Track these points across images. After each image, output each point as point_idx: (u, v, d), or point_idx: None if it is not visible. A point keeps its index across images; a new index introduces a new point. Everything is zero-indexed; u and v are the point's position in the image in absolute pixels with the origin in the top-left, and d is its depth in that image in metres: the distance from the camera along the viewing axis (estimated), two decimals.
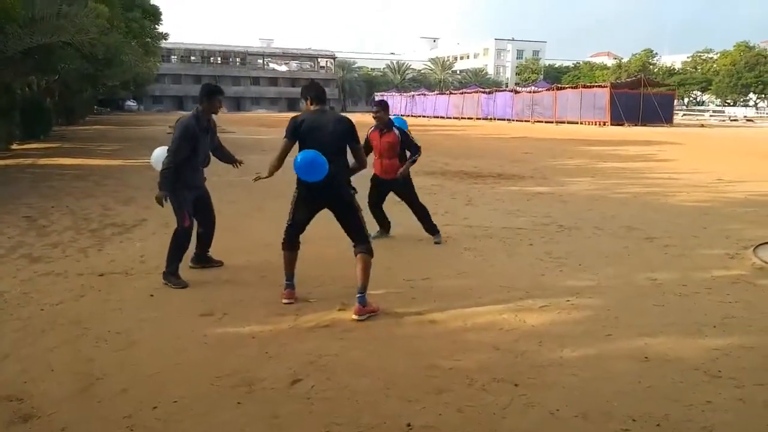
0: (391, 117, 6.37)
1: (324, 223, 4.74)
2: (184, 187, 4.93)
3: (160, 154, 5.03)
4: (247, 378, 3.27)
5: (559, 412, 2.93)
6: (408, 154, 6.46)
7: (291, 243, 4.55)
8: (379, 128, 6.26)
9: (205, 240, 5.35)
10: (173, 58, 78.96)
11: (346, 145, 4.35)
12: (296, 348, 3.69)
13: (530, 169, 14.09)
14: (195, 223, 5.13)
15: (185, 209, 4.95)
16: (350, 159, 4.50)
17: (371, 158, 6.13)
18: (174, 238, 4.96)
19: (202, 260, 5.38)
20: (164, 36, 29.64)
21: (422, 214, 6.61)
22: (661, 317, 4.25)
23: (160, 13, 27.77)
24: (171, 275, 4.89)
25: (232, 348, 3.69)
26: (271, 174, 4.55)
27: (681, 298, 4.69)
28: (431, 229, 6.57)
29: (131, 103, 70.85)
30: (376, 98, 6.68)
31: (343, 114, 4.58)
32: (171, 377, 3.29)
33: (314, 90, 4.44)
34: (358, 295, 4.22)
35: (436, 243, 6.44)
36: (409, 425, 2.82)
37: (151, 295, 4.66)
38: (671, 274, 5.30)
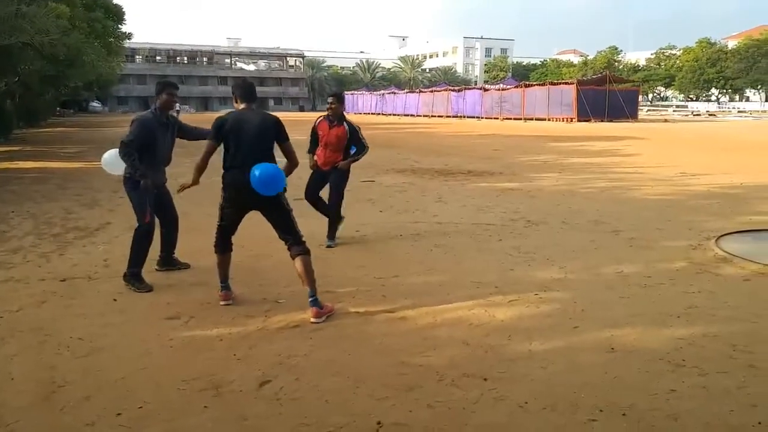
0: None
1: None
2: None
3: (112, 155, 4.90)
4: (214, 381, 3.22)
5: (527, 405, 2.95)
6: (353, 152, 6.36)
7: (223, 245, 4.42)
8: (330, 120, 6.14)
9: (168, 241, 5.25)
10: (138, 58, 77.65)
11: (273, 145, 4.21)
12: (265, 349, 3.64)
13: (500, 165, 14.22)
14: (157, 223, 5.03)
15: (146, 205, 4.81)
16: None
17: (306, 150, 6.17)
18: (136, 237, 4.82)
19: (168, 263, 5.29)
20: (128, 36, 29.07)
21: (333, 215, 6.29)
22: (627, 309, 4.32)
23: (124, 13, 27.25)
24: (133, 277, 4.77)
25: (199, 351, 3.63)
26: (195, 181, 4.46)
27: (646, 289, 4.78)
28: (332, 233, 6.26)
29: (95, 105, 69.47)
30: (342, 93, 6.47)
31: (271, 113, 4.41)
32: (136, 382, 3.22)
33: (241, 88, 4.30)
34: (311, 299, 4.10)
35: (328, 246, 6.13)
36: (379, 423, 2.81)
37: (115, 300, 4.56)
38: (636, 266, 5.39)
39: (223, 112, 4.54)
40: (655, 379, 3.21)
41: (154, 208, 4.96)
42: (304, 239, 4.25)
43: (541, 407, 2.93)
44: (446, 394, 3.06)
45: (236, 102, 4.32)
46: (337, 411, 2.92)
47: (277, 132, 4.22)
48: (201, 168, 4.36)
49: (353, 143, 6.25)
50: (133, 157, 4.62)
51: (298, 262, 4.15)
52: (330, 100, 6.16)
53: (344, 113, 6.28)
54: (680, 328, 3.94)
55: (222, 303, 4.40)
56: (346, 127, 6.16)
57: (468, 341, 3.75)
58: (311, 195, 6.35)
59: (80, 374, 3.32)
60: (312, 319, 4.07)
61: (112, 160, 5.01)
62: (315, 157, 6.29)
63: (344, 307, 4.35)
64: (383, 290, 4.77)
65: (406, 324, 4.07)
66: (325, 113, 6.26)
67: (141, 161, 4.67)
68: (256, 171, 3.97)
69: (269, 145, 4.20)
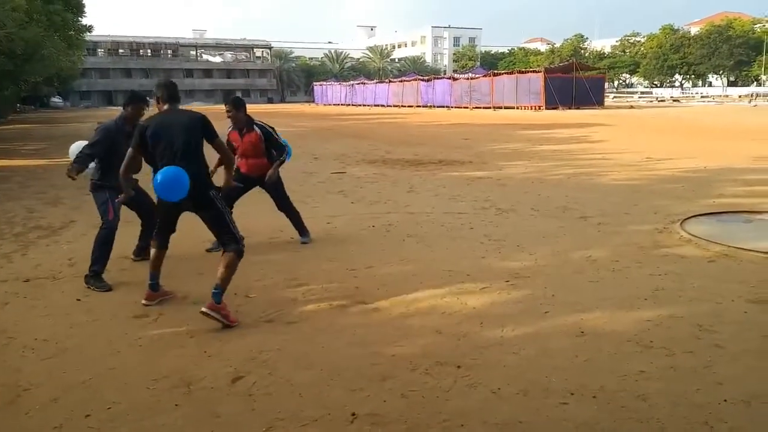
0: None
1: (270, 220, 4.65)
2: (105, 187, 4.78)
3: (80, 147, 4.91)
4: (185, 378, 3.17)
5: (500, 391, 2.98)
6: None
7: (160, 241, 4.26)
8: (239, 128, 5.73)
9: (147, 232, 5.15)
10: (100, 51, 76.01)
11: (202, 143, 4.05)
12: (237, 345, 3.60)
13: (470, 154, 14.29)
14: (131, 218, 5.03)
15: (109, 204, 4.77)
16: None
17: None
18: (100, 236, 4.79)
19: (143, 253, 5.21)
20: (88, 28, 28.41)
21: (292, 215, 6.04)
22: (596, 293, 4.38)
23: (83, 5, 26.57)
24: (93, 278, 4.70)
25: (168, 349, 3.57)
26: (127, 192, 4.35)
27: (614, 273, 4.86)
28: (301, 230, 6.06)
29: (57, 100, 67.82)
30: (238, 99, 5.84)
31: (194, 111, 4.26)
32: (104, 383, 3.15)
33: (165, 88, 4.14)
34: (214, 291, 3.83)
35: (303, 243, 5.97)
36: (353, 414, 2.80)
37: (80, 300, 4.45)
38: (605, 251, 5.48)
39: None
40: (624, 361, 3.26)
41: (134, 207, 5.03)
42: (242, 240, 4.05)
43: (513, 392, 2.96)
44: (420, 383, 3.07)
45: (159, 103, 4.16)
46: (311, 404, 2.90)
47: (205, 130, 4.03)
48: (125, 176, 4.24)
49: (272, 146, 5.82)
50: (84, 163, 4.73)
51: (225, 256, 3.95)
52: (227, 108, 5.68)
53: (250, 117, 5.78)
54: (648, 310, 4.02)
55: (144, 303, 4.24)
56: (259, 132, 5.74)
57: (441, 330, 3.76)
58: (228, 199, 5.83)
59: (46, 376, 3.24)
60: (202, 309, 3.80)
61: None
62: (240, 168, 5.82)
63: (317, 300, 4.32)
64: (356, 282, 4.75)
65: (380, 315, 4.06)
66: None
67: (106, 167, 4.74)
68: (158, 176, 3.84)
69: (198, 144, 4.03)
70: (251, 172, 5.78)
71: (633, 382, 3.03)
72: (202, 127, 4.03)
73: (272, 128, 5.84)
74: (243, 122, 5.67)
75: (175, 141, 3.94)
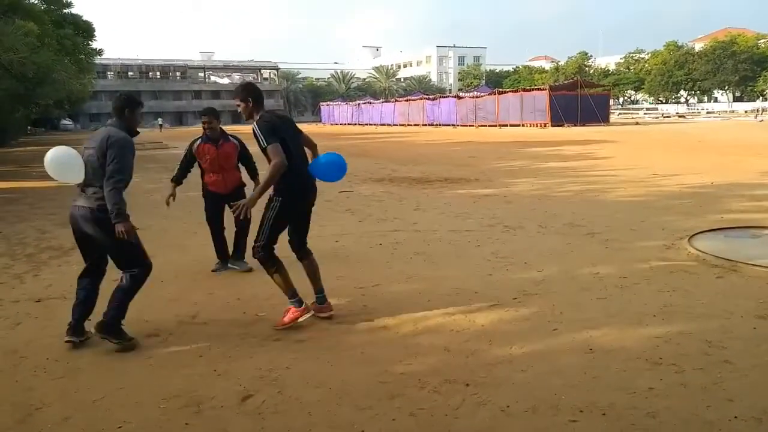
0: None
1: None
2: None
3: (64, 155, 3.92)
4: (195, 398, 3.19)
5: (509, 409, 2.98)
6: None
7: (277, 259, 4.18)
8: (212, 139, 5.56)
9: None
10: (110, 74, 76.99)
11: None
12: (246, 364, 3.62)
13: (476, 172, 14.33)
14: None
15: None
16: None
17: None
18: (134, 282, 3.95)
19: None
20: (99, 52, 28.93)
21: (243, 234, 5.69)
22: (604, 309, 4.38)
23: (94, 29, 27.07)
24: (120, 330, 3.90)
25: (178, 368, 3.59)
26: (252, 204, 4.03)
27: (622, 290, 4.85)
28: (240, 253, 5.75)
29: (67, 122, 68.56)
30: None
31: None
32: (115, 402, 3.18)
33: (255, 92, 4.15)
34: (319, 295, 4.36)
35: (231, 268, 5.74)
36: None
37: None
38: (612, 268, 5.47)
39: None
40: (633, 378, 3.26)
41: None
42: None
43: (522, 410, 2.96)
44: (429, 401, 3.08)
45: (250, 106, 4.12)
46: (320, 423, 2.91)
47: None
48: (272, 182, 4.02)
49: (245, 159, 5.73)
50: (120, 190, 3.80)
51: (311, 260, 4.36)
52: (204, 119, 5.57)
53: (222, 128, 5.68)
54: (656, 326, 4.01)
55: (324, 316, 4.37)
56: (235, 142, 5.64)
57: (449, 347, 3.76)
58: (216, 221, 5.78)
59: (57, 396, 3.27)
60: (325, 314, 4.35)
61: (68, 161, 3.97)
62: (209, 186, 5.69)
63: (326, 318, 4.34)
64: (364, 300, 4.77)
65: (388, 333, 4.08)
66: (200, 135, 5.68)
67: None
68: (331, 157, 4.29)
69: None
70: (227, 188, 5.66)
71: (643, 399, 3.03)
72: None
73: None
74: (218, 133, 5.63)
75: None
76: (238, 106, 4.15)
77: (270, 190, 4.08)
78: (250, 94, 4.12)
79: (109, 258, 4.08)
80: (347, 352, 3.76)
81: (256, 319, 4.39)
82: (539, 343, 3.80)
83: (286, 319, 4.15)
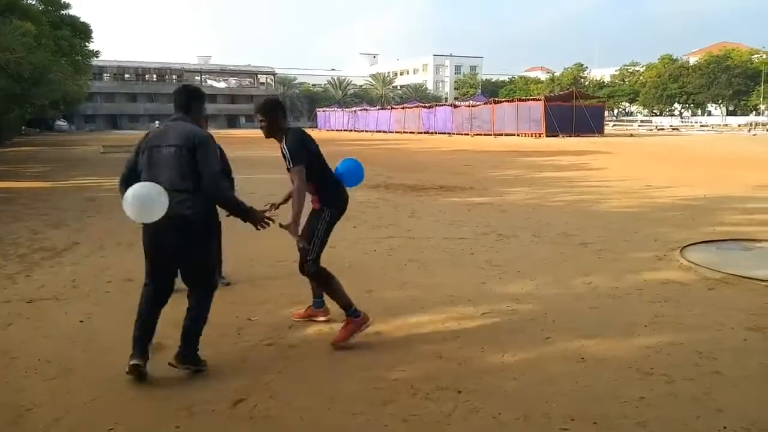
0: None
1: (272, 243, 4.68)
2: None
3: (149, 193, 3.27)
4: (187, 400, 3.18)
5: (501, 416, 2.99)
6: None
7: (327, 270, 4.08)
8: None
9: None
10: (106, 76, 76.83)
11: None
12: (238, 368, 3.62)
13: (471, 180, 14.38)
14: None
15: None
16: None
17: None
18: (208, 300, 3.65)
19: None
20: (95, 53, 28.86)
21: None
22: (596, 319, 4.40)
23: (91, 31, 27.05)
24: (198, 356, 3.57)
25: (170, 371, 3.57)
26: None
27: (614, 299, 4.88)
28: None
29: (62, 123, 68.30)
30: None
31: None
32: (106, 404, 3.17)
33: (280, 105, 4.10)
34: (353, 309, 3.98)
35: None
36: None
37: (81, 321, 4.47)
38: (605, 278, 5.50)
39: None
40: (624, 388, 3.27)
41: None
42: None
43: (514, 418, 2.97)
44: (421, 408, 3.08)
45: (281, 119, 4.03)
46: (312, 428, 2.91)
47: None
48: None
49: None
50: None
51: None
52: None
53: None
54: (648, 336, 4.03)
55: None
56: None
57: (442, 354, 3.77)
58: None
59: (48, 397, 3.25)
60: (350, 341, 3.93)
61: (152, 202, 3.27)
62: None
63: (319, 324, 4.34)
64: (357, 305, 4.75)
65: (381, 339, 4.08)
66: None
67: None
68: (342, 166, 4.36)
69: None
70: None
71: (633, 408, 3.04)
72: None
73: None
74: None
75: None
76: (262, 122, 3.93)
77: (311, 203, 4.04)
78: (280, 109, 4.00)
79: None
80: (340, 358, 3.76)
81: (249, 323, 4.39)
82: (531, 351, 3.82)
83: (347, 332, 3.94)
